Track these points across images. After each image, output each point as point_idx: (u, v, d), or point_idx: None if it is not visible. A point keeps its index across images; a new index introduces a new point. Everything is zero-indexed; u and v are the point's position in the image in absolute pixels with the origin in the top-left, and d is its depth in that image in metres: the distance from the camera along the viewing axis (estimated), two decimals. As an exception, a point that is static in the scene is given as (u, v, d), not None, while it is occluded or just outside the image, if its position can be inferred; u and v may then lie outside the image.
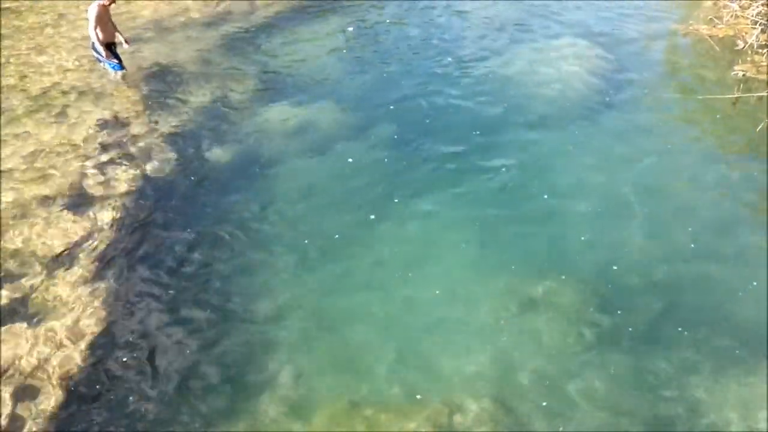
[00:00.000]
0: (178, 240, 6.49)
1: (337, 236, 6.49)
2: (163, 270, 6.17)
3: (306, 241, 6.45)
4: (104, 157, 7.54)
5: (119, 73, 9.20)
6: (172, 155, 7.66)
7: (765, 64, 8.81)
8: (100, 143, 7.81)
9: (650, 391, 5.04)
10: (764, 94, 7.96)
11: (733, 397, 4.98)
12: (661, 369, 5.19)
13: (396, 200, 6.93)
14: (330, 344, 5.50)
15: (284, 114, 8.41)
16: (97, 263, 6.18)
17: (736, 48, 9.30)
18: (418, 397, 5.04)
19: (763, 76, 8.55)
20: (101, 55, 9.00)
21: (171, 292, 5.96)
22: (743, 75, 8.69)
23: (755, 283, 5.85)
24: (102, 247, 6.35)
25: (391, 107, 8.55)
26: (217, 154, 7.70)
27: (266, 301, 5.86)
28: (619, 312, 5.64)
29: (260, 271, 6.17)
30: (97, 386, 5.16)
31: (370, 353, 5.42)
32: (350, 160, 7.54)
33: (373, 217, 6.71)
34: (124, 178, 7.22)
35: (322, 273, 6.14)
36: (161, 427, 4.88)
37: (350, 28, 10.79)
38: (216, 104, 8.65)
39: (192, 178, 7.31)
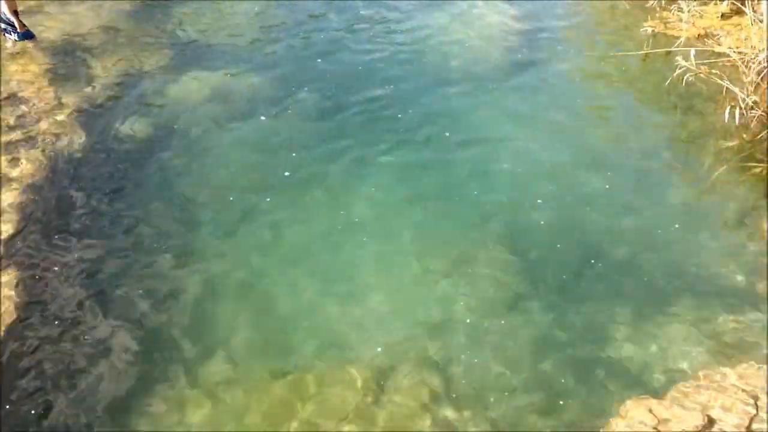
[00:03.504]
0: (96, 219, 6.25)
1: (259, 203, 6.42)
2: (79, 250, 5.93)
3: (228, 211, 6.35)
4: (5, 138, 7.14)
5: (27, 42, 8.67)
6: (82, 132, 7.31)
7: (673, 20, 9.05)
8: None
9: (575, 340, 5.22)
10: (673, 49, 8.19)
11: (652, 340, 5.20)
12: (584, 318, 5.38)
13: (317, 161, 6.91)
14: (257, 315, 5.45)
15: (200, 82, 8.15)
16: (2, 248, 5.90)
17: (647, 6, 9.52)
18: (348, 367, 5.06)
19: (671, 32, 8.80)
20: (9, 25, 8.48)
21: (87, 271, 5.74)
22: (652, 31, 8.92)
23: (660, 230, 6.09)
24: (10, 230, 6.05)
25: (309, 70, 8.43)
26: (131, 127, 7.41)
27: (192, 275, 5.74)
28: (540, 265, 5.79)
29: (183, 245, 6.03)
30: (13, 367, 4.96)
31: (298, 322, 5.40)
32: (268, 122, 7.45)
33: (291, 177, 6.71)
34: (29, 159, 6.87)
35: (247, 242, 6.07)
36: (80, 408, 4.75)
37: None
38: (127, 76, 8.30)
39: (105, 154, 7.02)
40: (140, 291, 5.62)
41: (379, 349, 5.19)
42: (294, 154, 7.03)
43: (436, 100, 7.89)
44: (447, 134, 7.32)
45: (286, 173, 6.77)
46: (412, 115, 7.62)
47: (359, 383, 4.95)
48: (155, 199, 6.50)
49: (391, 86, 8.11)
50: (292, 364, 5.10)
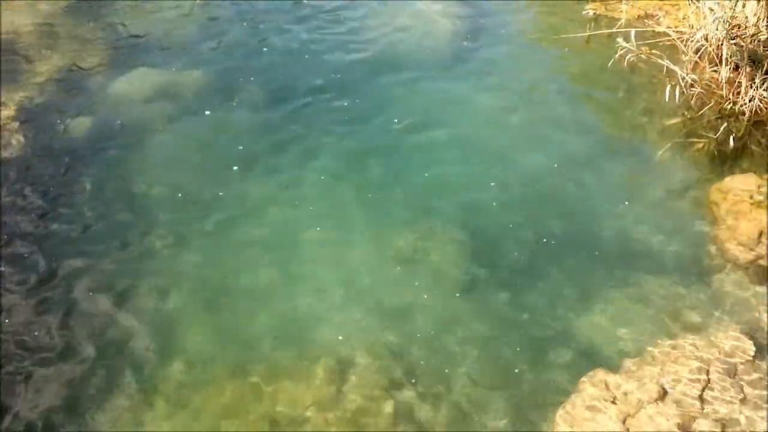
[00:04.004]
0: (41, 221, 6.07)
1: (209, 198, 6.34)
2: (26, 252, 5.78)
3: (178, 208, 6.25)
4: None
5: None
6: (23, 132, 7.09)
7: (613, 1, 9.20)
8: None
9: (530, 319, 5.31)
10: (614, 30, 8.33)
11: (606, 315, 5.32)
12: (539, 296, 5.47)
13: (266, 153, 6.87)
14: (213, 311, 5.39)
15: (143, 79, 7.96)
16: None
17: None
18: (307, 358, 5.03)
19: (612, 13, 8.94)
20: None
21: (37, 273, 5.60)
22: (594, 13, 9.05)
23: (609, 207, 6.22)
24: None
25: (254, 63, 8.31)
26: (73, 127, 7.21)
27: (143, 275, 5.65)
28: (493, 246, 5.86)
29: (133, 244, 5.93)
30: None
31: (255, 316, 5.36)
32: (214, 116, 7.37)
33: (240, 170, 6.65)
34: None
35: (198, 238, 5.98)
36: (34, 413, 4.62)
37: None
38: (67, 75, 8.05)
39: (47, 155, 6.82)
40: (91, 292, 5.50)
41: (340, 338, 5.18)
42: (241, 147, 6.93)
43: (383, 87, 7.86)
44: (395, 120, 7.31)
45: (235, 167, 6.68)
46: (360, 103, 7.60)
47: (320, 374, 4.94)
48: (101, 198, 6.35)
49: (338, 75, 8.06)
50: (251, 359, 5.05)
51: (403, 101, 7.62)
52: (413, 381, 4.90)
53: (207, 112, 7.42)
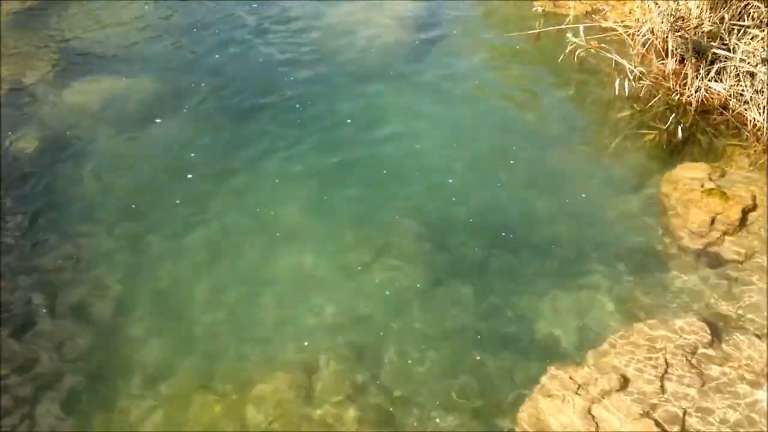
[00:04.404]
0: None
1: (165, 208, 6.25)
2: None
3: (133, 219, 6.15)
4: None
5: None
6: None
7: (560, -2, 9.35)
8: None
9: (495, 316, 5.35)
10: (563, 27, 8.45)
11: (567, 308, 5.39)
12: (502, 293, 5.51)
13: (219, 160, 6.80)
14: (173, 324, 5.31)
15: (92, 89, 7.81)
16: None
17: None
18: (272, 366, 4.99)
19: (560, 10, 9.08)
20: None
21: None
22: (543, 10, 9.17)
23: (567, 200, 6.31)
24: None
25: (205, 69, 8.23)
26: (22, 140, 7.04)
27: (100, 289, 5.54)
28: (457, 246, 5.88)
29: (88, 258, 5.79)
30: None
31: (217, 327, 5.28)
32: (165, 124, 7.26)
33: (194, 178, 6.58)
34: None
35: (155, 249, 5.89)
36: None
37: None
38: (12, 89, 7.83)
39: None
40: (44, 309, 5.37)
41: (306, 343, 5.14)
42: (193, 155, 6.86)
43: (335, 89, 7.85)
44: (348, 121, 7.32)
45: (189, 175, 6.59)
46: (313, 105, 7.56)
47: (287, 382, 4.89)
48: (53, 213, 6.20)
49: (290, 79, 8.01)
50: (215, 371, 4.98)
51: (355, 103, 7.62)
52: (378, 383, 4.89)
53: (158, 120, 7.30)
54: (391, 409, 4.75)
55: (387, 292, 5.52)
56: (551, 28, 8.71)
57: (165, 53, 8.58)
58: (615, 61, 7.82)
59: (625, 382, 4.72)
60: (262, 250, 5.88)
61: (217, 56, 8.48)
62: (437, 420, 4.70)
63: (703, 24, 7.24)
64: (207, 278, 5.65)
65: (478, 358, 5.05)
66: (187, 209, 6.25)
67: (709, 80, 7.15)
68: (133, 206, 6.27)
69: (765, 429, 4.44)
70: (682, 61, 7.52)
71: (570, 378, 4.74)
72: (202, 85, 7.87)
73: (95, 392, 4.85)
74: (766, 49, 6.42)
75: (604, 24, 8.54)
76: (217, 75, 8.11)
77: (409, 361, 5.04)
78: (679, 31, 7.39)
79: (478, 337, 5.19)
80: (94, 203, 6.33)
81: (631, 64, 7.59)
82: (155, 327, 5.29)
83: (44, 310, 5.36)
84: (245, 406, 4.76)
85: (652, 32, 7.88)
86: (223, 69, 8.25)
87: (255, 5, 9.60)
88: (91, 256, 5.81)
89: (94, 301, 5.47)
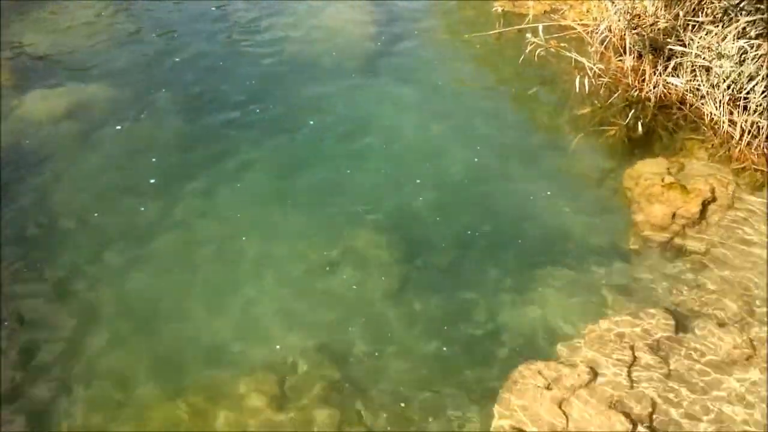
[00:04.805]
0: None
1: (128, 215, 6.13)
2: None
3: (94, 228, 6.02)
4: None
5: None
6: None
7: (519, -2, 9.45)
8: None
9: (463, 314, 5.36)
10: (523, 26, 8.54)
11: (535, 304, 5.43)
12: (471, 291, 5.53)
13: (182, 165, 6.70)
14: (140, 335, 5.19)
15: (48, 98, 7.63)
16: None
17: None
18: (244, 373, 4.93)
19: (519, 10, 9.17)
20: None
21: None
22: (502, 10, 9.26)
23: (531, 197, 6.38)
24: None
25: (166, 75, 8.11)
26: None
27: (62, 302, 5.40)
28: (423, 244, 5.90)
29: (51, 271, 5.65)
30: None
31: (185, 336, 5.19)
32: (125, 130, 7.14)
33: (157, 183, 6.49)
34: None
35: (119, 260, 5.76)
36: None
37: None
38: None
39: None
40: (6, 321, 5.24)
41: (278, 347, 5.10)
42: (154, 159, 6.75)
43: (298, 93, 7.80)
44: (311, 123, 7.28)
45: (152, 180, 6.49)
46: (275, 109, 7.51)
47: (259, 389, 4.83)
48: (12, 223, 6.03)
49: (252, 82, 7.96)
50: (185, 381, 4.89)
51: (319, 105, 7.59)
52: (350, 384, 4.87)
53: (118, 127, 7.17)
54: (363, 410, 4.73)
55: (355, 293, 5.50)
56: (511, 28, 8.80)
57: (125, 59, 8.44)
58: (574, 59, 7.93)
59: (594, 375, 4.77)
60: (227, 254, 5.81)
61: (177, 59, 8.38)
62: (410, 419, 4.69)
63: (659, 21, 7.38)
64: (172, 284, 5.56)
65: (450, 356, 5.06)
66: (149, 215, 6.14)
67: (666, 76, 7.29)
68: (95, 214, 6.15)
69: (731, 415, 4.54)
70: (639, 57, 7.66)
71: (540, 373, 4.78)
72: (163, 90, 7.76)
73: (59, 404, 4.73)
74: (720, 43, 6.56)
75: (563, 23, 8.66)
76: (177, 79, 8.01)
77: (381, 362, 5.03)
78: (635, 29, 7.53)
79: (449, 335, 5.20)
80: (55, 212, 6.18)
81: (590, 62, 7.69)
82: (120, 336, 5.18)
83: (6, 322, 5.22)
84: (215, 413, 4.69)
85: (610, 30, 8.02)
86: (183, 73, 8.15)
87: (213, 8, 9.51)
88: (53, 266, 5.68)
89: (57, 311, 5.34)
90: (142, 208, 6.21)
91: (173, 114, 7.42)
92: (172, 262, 5.75)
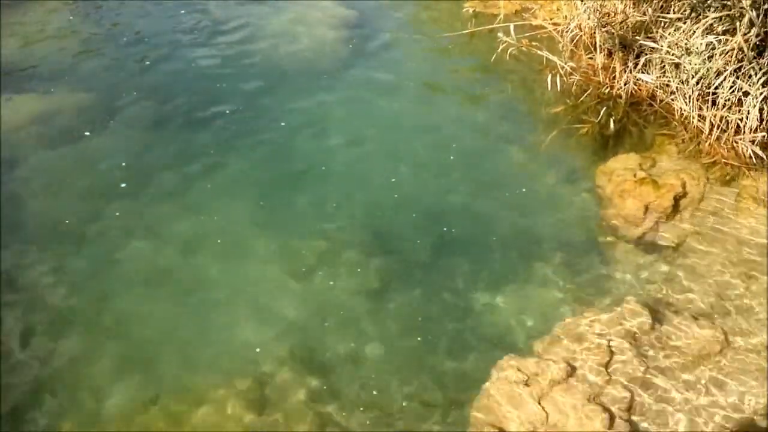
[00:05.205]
0: None
1: (99, 220, 6.05)
2: None
3: (66, 237, 5.90)
4: None
5: None
6: None
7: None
8: None
9: (442, 312, 5.36)
10: (494, 26, 8.58)
11: (513, 301, 5.45)
12: (449, 289, 5.53)
13: (152, 169, 6.62)
14: (112, 343, 5.10)
15: (13, 106, 7.47)
16: None
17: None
18: (222, 378, 4.86)
19: (490, 10, 9.21)
20: None
21: None
22: (473, 11, 9.30)
23: (507, 194, 6.41)
24: None
25: (136, 80, 8.00)
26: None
27: (36, 314, 5.28)
28: (401, 244, 5.89)
29: (21, 279, 5.53)
30: None
31: (159, 344, 5.12)
32: (95, 137, 7.04)
33: (128, 187, 6.40)
34: None
35: (89, 267, 5.66)
36: None
37: (75, 4, 9.81)
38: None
39: None
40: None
41: (258, 350, 5.05)
42: (124, 164, 6.67)
43: (270, 95, 7.75)
44: (282, 124, 7.24)
45: (123, 184, 6.41)
46: (248, 113, 7.44)
47: (236, 393, 4.77)
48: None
49: (223, 85, 7.89)
50: (160, 390, 4.80)
51: (289, 106, 7.54)
52: (330, 388, 4.83)
53: (86, 133, 7.06)
54: (342, 411, 4.70)
55: (334, 296, 5.46)
56: (483, 27, 8.84)
57: (94, 64, 8.33)
58: (546, 58, 7.98)
59: (572, 371, 4.79)
60: (203, 259, 5.74)
61: (146, 63, 8.29)
62: (392, 421, 4.67)
63: (628, 18, 7.46)
64: (147, 291, 5.48)
65: (430, 356, 5.05)
66: (121, 220, 6.06)
67: (636, 73, 7.36)
68: (66, 221, 6.04)
69: (707, 406, 4.59)
70: (610, 55, 7.73)
71: (518, 369, 4.78)
72: (134, 93, 7.67)
73: (28, 413, 4.64)
74: (688, 39, 6.64)
75: (534, 22, 8.72)
76: (147, 85, 7.91)
77: (361, 364, 4.99)
78: (605, 27, 7.60)
79: (429, 335, 5.19)
80: (25, 222, 6.07)
81: (561, 60, 7.75)
82: (92, 343, 5.09)
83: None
84: (193, 421, 4.63)
85: (580, 28, 8.08)
86: (153, 79, 8.05)
87: (183, 11, 9.43)
88: (24, 276, 5.57)
89: (29, 321, 5.23)
90: (117, 213, 6.12)
91: (142, 118, 7.33)
92: (145, 267, 5.66)
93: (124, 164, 6.65)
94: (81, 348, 5.07)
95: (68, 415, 4.64)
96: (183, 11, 9.45)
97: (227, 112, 7.43)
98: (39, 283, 5.52)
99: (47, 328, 5.19)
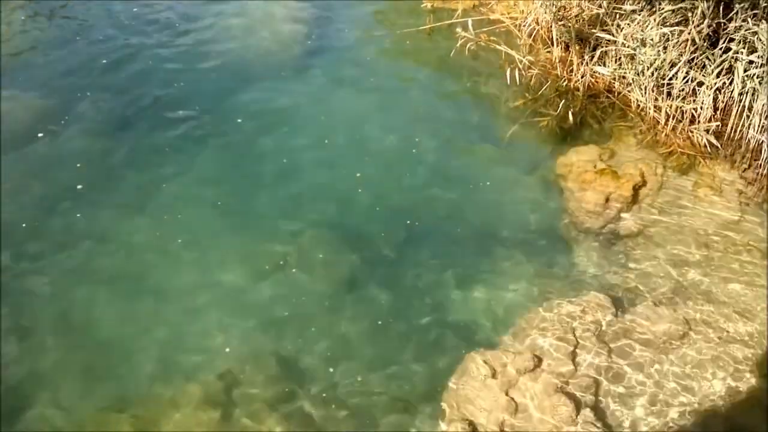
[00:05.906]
0: None
1: (57, 228, 5.88)
2: None
3: (23, 242, 5.74)
4: None
5: None
6: None
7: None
8: None
9: (410, 307, 5.37)
10: (453, 21, 8.61)
11: (479, 293, 5.48)
12: (415, 284, 5.55)
13: (109, 170, 6.50)
14: (79, 347, 5.01)
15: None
16: None
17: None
18: (191, 382, 4.79)
19: (448, 5, 9.23)
20: None
21: None
22: (432, 6, 9.31)
23: (471, 186, 6.45)
24: None
25: (87, 80, 7.79)
26: None
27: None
28: (367, 240, 5.87)
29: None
30: None
31: (127, 348, 5.03)
32: (48, 139, 6.84)
33: (84, 189, 6.25)
34: None
35: (52, 272, 5.52)
36: None
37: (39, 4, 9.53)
38: None
39: None
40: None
41: (227, 350, 5.00)
42: (79, 165, 6.50)
43: (229, 94, 7.62)
44: (244, 123, 7.14)
45: (79, 186, 6.25)
46: (206, 111, 7.31)
47: (205, 397, 4.70)
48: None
49: (182, 84, 7.74)
50: (129, 394, 4.73)
51: (248, 104, 7.44)
52: (300, 388, 4.80)
53: (39, 135, 6.87)
54: (312, 411, 4.67)
55: (301, 296, 5.42)
56: (442, 23, 8.85)
57: (52, 64, 8.09)
58: (504, 52, 8.03)
59: (539, 361, 4.83)
60: (168, 263, 5.64)
61: (105, 62, 8.08)
62: (362, 419, 4.65)
63: (584, 12, 7.54)
64: (112, 296, 5.35)
65: (399, 351, 5.05)
66: (79, 223, 5.92)
67: (593, 65, 7.46)
68: (23, 225, 5.88)
69: (672, 391, 4.68)
70: (567, 48, 7.82)
71: (486, 362, 4.80)
72: (88, 95, 7.48)
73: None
74: (643, 31, 6.74)
75: (492, 17, 8.77)
76: (105, 84, 7.71)
77: (330, 364, 4.97)
78: (561, 21, 7.67)
79: (396, 331, 5.19)
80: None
81: (519, 55, 7.80)
82: (57, 350, 4.97)
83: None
84: (162, 426, 4.54)
85: (537, 22, 8.16)
86: (111, 77, 7.85)
87: (136, 9, 9.23)
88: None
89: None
90: (78, 214, 5.98)
91: (100, 119, 7.15)
92: (108, 271, 5.54)
93: (79, 165, 6.49)
94: (44, 354, 4.95)
95: (34, 425, 4.53)
96: (136, 9, 9.25)
97: (189, 112, 7.29)
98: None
99: (9, 335, 5.05)
